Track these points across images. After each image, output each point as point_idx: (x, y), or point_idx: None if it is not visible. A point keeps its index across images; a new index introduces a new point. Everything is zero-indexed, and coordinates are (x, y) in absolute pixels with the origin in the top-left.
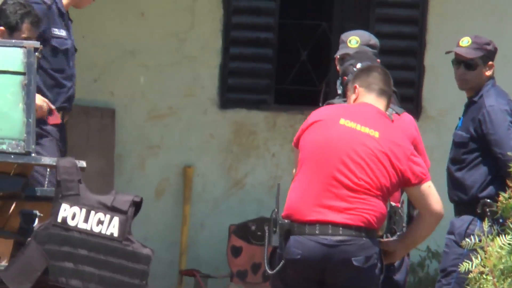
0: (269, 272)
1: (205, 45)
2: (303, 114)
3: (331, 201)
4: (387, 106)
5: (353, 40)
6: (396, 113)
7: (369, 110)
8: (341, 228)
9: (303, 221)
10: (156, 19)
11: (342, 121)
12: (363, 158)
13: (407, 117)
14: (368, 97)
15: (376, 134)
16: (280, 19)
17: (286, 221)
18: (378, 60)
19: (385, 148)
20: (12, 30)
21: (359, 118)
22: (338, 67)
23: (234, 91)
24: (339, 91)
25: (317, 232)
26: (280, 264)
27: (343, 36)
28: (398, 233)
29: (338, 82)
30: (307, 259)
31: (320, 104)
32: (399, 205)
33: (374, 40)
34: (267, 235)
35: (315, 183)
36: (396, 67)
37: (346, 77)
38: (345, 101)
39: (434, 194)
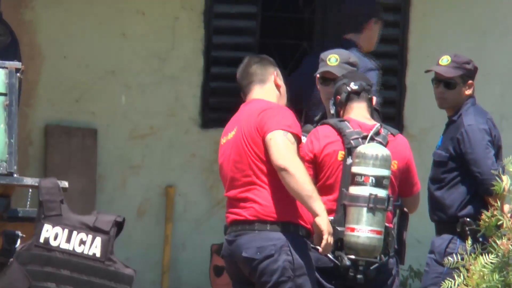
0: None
1: (186, 65)
2: None
3: (232, 207)
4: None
5: (333, 58)
6: (391, 133)
7: (248, 108)
8: (238, 224)
9: (225, 224)
10: (138, 39)
11: (223, 140)
12: (234, 164)
13: (401, 139)
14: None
15: (233, 133)
16: (260, 39)
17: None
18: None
19: (243, 145)
20: None
21: (231, 124)
22: (318, 86)
23: (215, 111)
24: (332, 111)
25: (227, 231)
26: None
27: (323, 55)
28: (391, 254)
29: (331, 102)
30: (224, 257)
31: (301, 124)
32: (392, 226)
33: (353, 58)
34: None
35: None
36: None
37: (339, 96)
38: (341, 121)
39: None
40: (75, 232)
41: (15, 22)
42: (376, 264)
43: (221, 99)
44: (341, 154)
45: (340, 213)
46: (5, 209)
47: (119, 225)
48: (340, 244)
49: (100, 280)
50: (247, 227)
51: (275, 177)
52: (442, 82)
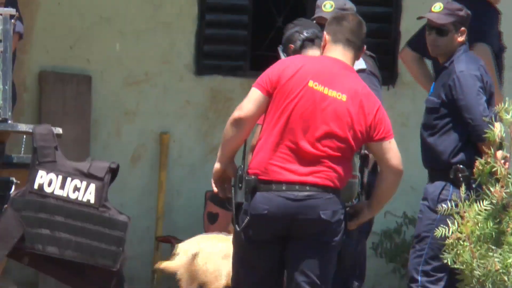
0: (237, 229)
1: (180, 11)
2: None
3: (297, 166)
4: (355, 58)
5: (328, 4)
6: None
7: (336, 67)
8: (307, 186)
9: (269, 180)
10: None
11: (311, 84)
12: (329, 123)
13: None
14: (335, 49)
15: (344, 98)
16: None
17: (252, 177)
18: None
19: (351, 111)
20: None
21: (326, 79)
22: None
23: (210, 58)
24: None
25: (284, 188)
26: (246, 220)
27: (318, 1)
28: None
29: (280, 49)
30: (274, 214)
31: None
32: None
33: (349, 5)
34: (233, 191)
35: (281, 147)
36: (371, 33)
37: (292, 45)
38: None
39: (394, 150)
40: (69, 179)
41: None
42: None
43: (215, 46)
44: None
45: None
46: None
47: (113, 172)
48: None
49: (94, 227)
50: (320, 190)
51: (349, 156)
52: (434, 29)
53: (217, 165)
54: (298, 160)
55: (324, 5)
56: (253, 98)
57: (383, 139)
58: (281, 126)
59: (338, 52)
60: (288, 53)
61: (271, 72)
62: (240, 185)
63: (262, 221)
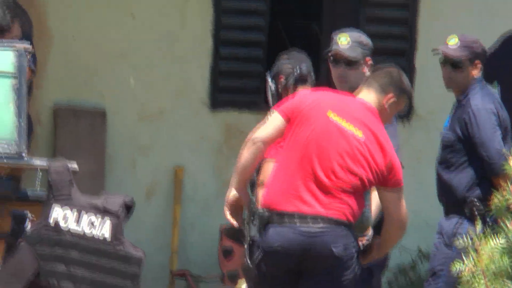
0: (249, 264)
1: (195, 46)
2: None
3: (310, 196)
4: (379, 101)
5: (343, 38)
6: None
7: (357, 105)
8: (320, 219)
9: (282, 211)
10: (147, 20)
11: (330, 114)
12: (343, 157)
13: None
14: (365, 91)
15: (360, 134)
16: (270, 19)
17: (265, 211)
18: (369, 59)
19: (366, 150)
20: (3, 31)
21: (346, 113)
22: (330, 66)
23: (224, 92)
24: (272, 87)
25: (296, 222)
26: (258, 254)
27: (334, 34)
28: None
29: (269, 76)
30: (286, 249)
31: None
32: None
33: (364, 39)
34: (246, 225)
35: (296, 176)
36: None
37: (283, 76)
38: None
39: (402, 201)
40: (84, 214)
41: (25, 3)
42: (367, 240)
43: (230, 80)
44: None
45: None
46: (14, 190)
47: (128, 207)
48: None
49: (109, 262)
50: (333, 223)
51: (361, 191)
52: (449, 63)
53: (231, 193)
54: (312, 190)
55: (339, 39)
56: (272, 121)
57: (395, 186)
58: (297, 154)
59: (363, 94)
60: (277, 82)
61: (293, 99)
62: (253, 219)
63: (274, 256)
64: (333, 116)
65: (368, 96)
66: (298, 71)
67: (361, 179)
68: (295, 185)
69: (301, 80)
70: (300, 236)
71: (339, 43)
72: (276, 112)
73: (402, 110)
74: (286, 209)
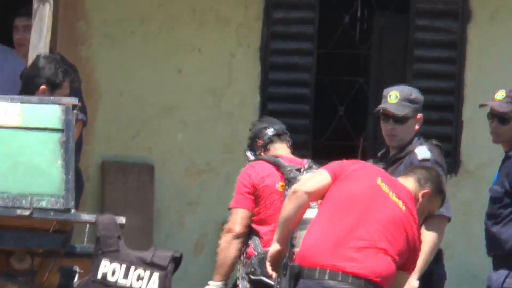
0: None
1: (242, 101)
2: None
3: (347, 251)
4: (415, 193)
5: (393, 95)
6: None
7: (401, 185)
8: (350, 277)
9: (315, 266)
10: (194, 75)
11: (379, 182)
12: (385, 223)
13: None
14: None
15: (403, 208)
16: (316, 75)
17: (296, 264)
18: (420, 116)
19: (407, 223)
20: (55, 88)
21: (393, 187)
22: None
23: None
24: (251, 157)
25: (326, 277)
26: None
27: (385, 91)
28: None
29: (247, 149)
30: None
31: (359, 159)
32: None
33: (415, 95)
34: (277, 278)
35: (335, 231)
36: (434, 122)
37: (260, 141)
38: (274, 157)
39: None
40: (132, 268)
41: (73, 59)
42: None
43: None
44: (281, 185)
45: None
46: (62, 245)
47: (176, 261)
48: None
49: None
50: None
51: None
52: (496, 117)
53: (275, 246)
54: (348, 247)
55: (389, 96)
56: (318, 176)
57: (410, 273)
58: (339, 211)
59: (403, 182)
60: (255, 149)
61: (343, 161)
62: (284, 272)
63: None
64: (381, 184)
65: (406, 184)
66: (272, 130)
67: (397, 249)
68: (332, 240)
69: (276, 135)
70: None
71: (388, 100)
72: (323, 169)
73: (431, 212)
74: (318, 264)
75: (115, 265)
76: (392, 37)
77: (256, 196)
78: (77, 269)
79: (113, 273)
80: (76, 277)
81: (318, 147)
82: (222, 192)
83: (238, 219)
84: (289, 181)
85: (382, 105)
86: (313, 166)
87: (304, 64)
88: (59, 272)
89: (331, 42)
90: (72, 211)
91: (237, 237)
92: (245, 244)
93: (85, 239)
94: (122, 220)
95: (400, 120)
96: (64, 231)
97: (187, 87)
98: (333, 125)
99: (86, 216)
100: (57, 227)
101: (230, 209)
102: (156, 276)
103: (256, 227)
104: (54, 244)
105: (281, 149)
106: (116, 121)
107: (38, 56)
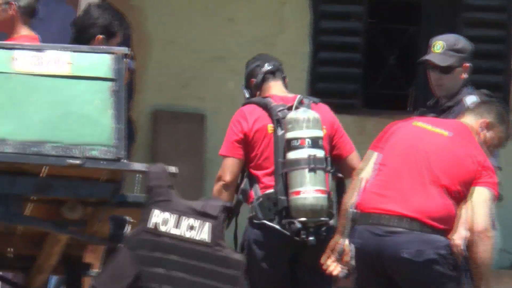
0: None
1: (293, 49)
2: (392, 118)
3: (391, 192)
4: (473, 125)
5: (438, 45)
6: (314, 102)
7: (450, 120)
8: (396, 219)
9: (365, 210)
10: (244, 24)
11: (414, 123)
12: (429, 153)
13: (323, 106)
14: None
15: (445, 133)
16: (367, 24)
17: (354, 211)
18: (467, 64)
19: (455, 145)
20: (110, 37)
21: (433, 121)
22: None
23: (322, 96)
24: (247, 95)
25: (371, 221)
26: (352, 255)
27: (430, 41)
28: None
29: (243, 87)
30: (363, 249)
31: (409, 108)
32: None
33: (462, 44)
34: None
35: (382, 173)
36: (483, 71)
37: (254, 79)
38: (263, 98)
39: (486, 206)
40: (184, 217)
41: (124, 8)
42: (325, 225)
43: (327, 84)
44: (270, 127)
45: (280, 183)
46: (113, 194)
47: (227, 210)
48: (285, 213)
49: (209, 265)
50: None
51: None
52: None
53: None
54: (395, 188)
55: (434, 46)
56: (368, 157)
57: (485, 185)
58: (388, 160)
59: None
60: (250, 88)
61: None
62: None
63: (358, 256)
64: (417, 124)
65: (464, 120)
66: (266, 68)
67: (449, 171)
68: (379, 182)
69: (270, 73)
70: (373, 236)
71: (433, 50)
72: (369, 150)
73: (501, 144)
74: (366, 208)
75: (166, 214)
76: None
77: (248, 143)
78: (128, 218)
79: (164, 223)
80: (127, 227)
81: (369, 96)
82: None
83: (228, 168)
84: (278, 121)
85: (427, 55)
86: (304, 100)
87: (354, 12)
88: (110, 222)
89: None
90: (123, 160)
91: (227, 186)
92: (236, 190)
93: (136, 189)
94: (173, 169)
95: (445, 70)
96: (115, 181)
97: (238, 35)
98: (384, 74)
99: (137, 166)
100: (108, 176)
101: (220, 155)
102: (207, 225)
103: (254, 171)
104: (105, 194)
105: (275, 87)
106: (167, 70)
107: (89, 5)
